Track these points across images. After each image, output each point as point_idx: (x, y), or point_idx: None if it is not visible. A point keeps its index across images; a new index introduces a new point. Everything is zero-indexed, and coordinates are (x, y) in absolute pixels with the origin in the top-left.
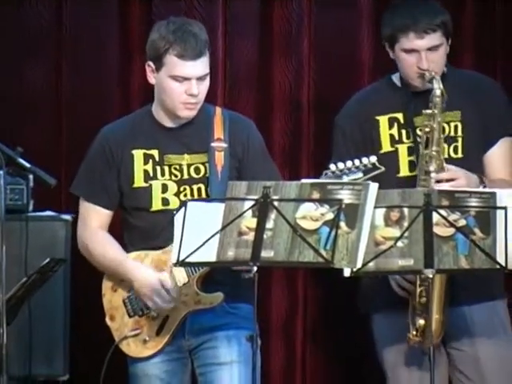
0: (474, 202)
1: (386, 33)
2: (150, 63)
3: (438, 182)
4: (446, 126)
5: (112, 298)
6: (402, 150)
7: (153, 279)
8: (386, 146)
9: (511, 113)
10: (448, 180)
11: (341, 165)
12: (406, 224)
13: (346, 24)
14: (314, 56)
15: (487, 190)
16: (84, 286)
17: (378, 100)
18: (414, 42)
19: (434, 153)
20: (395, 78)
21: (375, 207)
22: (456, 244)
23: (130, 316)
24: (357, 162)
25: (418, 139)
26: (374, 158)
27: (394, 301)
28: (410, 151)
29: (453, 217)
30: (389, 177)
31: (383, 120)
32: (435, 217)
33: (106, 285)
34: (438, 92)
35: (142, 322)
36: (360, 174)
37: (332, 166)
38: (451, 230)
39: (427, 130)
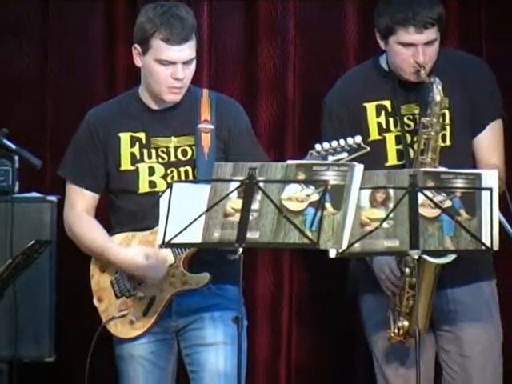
0: (459, 183)
1: (383, 24)
2: (137, 46)
3: None
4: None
5: (100, 279)
6: (390, 138)
7: (136, 256)
8: (374, 134)
9: (498, 94)
10: None
11: (326, 145)
12: (391, 205)
13: (331, 7)
14: (299, 38)
15: (472, 170)
16: (70, 268)
17: (366, 85)
18: (413, 36)
19: (429, 159)
20: (383, 61)
21: (361, 188)
22: (441, 225)
23: (117, 297)
24: (342, 141)
25: (406, 127)
26: (358, 138)
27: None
28: (398, 140)
29: (438, 198)
30: (376, 166)
31: (371, 107)
32: (421, 198)
33: (94, 266)
34: (437, 98)
35: (129, 303)
36: (345, 154)
37: (317, 146)
38: (437, 211)
39: (425, 137)
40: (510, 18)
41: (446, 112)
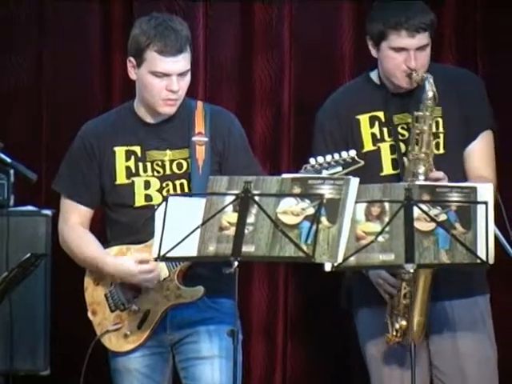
0: (454, 196)
1: (375, 29)
2: (131, 59)
3: (435, 180)
4: (414, 122)
5: (94, 293)
6: (385, 148)
7: (130, 264)
8: (368, 145)
9: (488, 105)
10: (436, 180)
11: (320, 159)
12: (386, 219)
13: (327, 18)
14: (294, 50)
15: (468, 184)
16: (65, 281)
17: (358, 99)
18: (405, 41)
19: (422, 155)
20: (373, 75)
21: (356, 202)
22: (437, 239)
23: (111, 310)
24: (336, 156)
25: (400, 137)
26: (353, 152)
27: (376, 296)
28: (393, 149)
29: (434, 211)
30: (372, 176)
31: (364, 119)
32: (416, 211)
33: (89, 279)
34: (430, 94)
35: (123, 317)
36: (339, 168)
37: (312, 160)
38: (432, 225)
39: (417, 131)
40: (506, 29)
41: (440, 120)
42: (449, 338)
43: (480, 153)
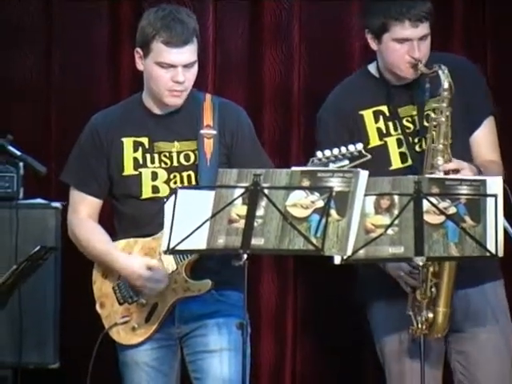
0: (464, 189)
1: (376, 22)
2: (139, 50)
3: (446, 173)
4: (431, 113)
5: (102, 286)
6: (391, 142)
7: (139, 266)
8: (374, 141)
9: (489, 92)
10: (454, 171)
11: (327, 152)
12: (396, 212)
13: (336, 12)
14: (304, 44)
15: (478, 177)
16: (74, 274)
17: (360, 94)
18: (408, 31)
19: (441, 146)
20: (372, 69)
21: (365, 195)
22: (446, 232)
23: (119, 303)
24: (343, 149)
25: (406, 130)
26: (360, 146)
27: (392, 289)
28: (400, 143)
29: (443, 204)
30: (380, 171)
31: (368, 114)
32: (425, 204)
33: (97, 272)
34: (446, 85)
35: (131, 310)
36: (346, 162)
37: (319, 154)
38: (441, 218)
39: (434, 123)
40: None
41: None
42: (466, 327)
43: (485, 139)
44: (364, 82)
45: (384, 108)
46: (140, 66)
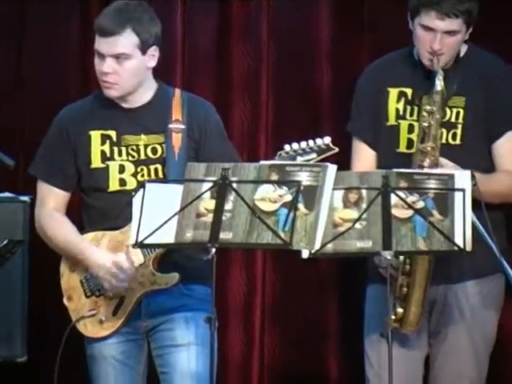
0: (432, 183)
1: (411, 4)
2: None
3: None
4: (448, 110)
5: (69, 279)
6: (404, 126)
7: (106, 261)
8: (392, 119)
9: None
10: None
11: (295, 145)
12: (364, 206)
13: (304, 6)
14: (272, 38)
15: (445, 171)
16: (42, 268)
17: (394, 71)
18: (434, 22)
19: (429, 148)
20: (416, 50)
21: (334, 189)
22: (414, 226)
23: (86, 296)
24: (311, 142)
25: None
26: (327, 139)
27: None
28: (411, 129)
29: (411, 198)
30: (389, 150)
31: (393, 92)
32: (393, 198)
33: (64, 265)
34: (438, 88)
35: (99, 303)
36: (314, 155)
37: (286, 147)
38: (409, 212)
39: (425, 124)
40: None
41: (461, 111)
42: (440, 325)
43: (506, 150)
44: (403, 60)
45: (409, 91)
46: None
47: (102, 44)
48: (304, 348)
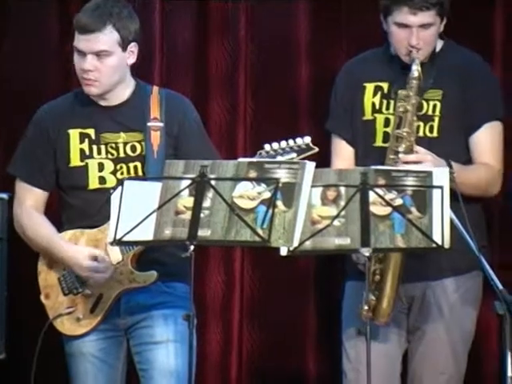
0: (410, 180)
1: (383, 3)
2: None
3: (406, 163)
4: (424, 103)
5: (47, 276)
6: (380, 120)
7: (84, 256)
8: (368, 114)
9: (498, 96)
10: (415, 162)
11: (275, 145)
12: (342, 203)
13: (283, 4)
14: (251, 35)
15: (424, 168)
16: (21, 265)
17: (371, 67)
18: (407, 17)
19: (404, 134)
20: (392, 47)
21: (312, 186)
22: (392, 223)
23: (64, 294)
24: (291, 142)
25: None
26: (308, 139)
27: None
28: (387, 122)
29: (389, 196)
30: (366, 145)
31: (369, 87)
32: (372, 196)
33: (42, 263)
34: (415, 74)
35: (76, 300)
36: (294, 155)
37: (266, 146)
38: (388, 209)
39: (401, 110)
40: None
41: (438, 103)
42: (418, 321)
43: (483, 142)
44: (379, 57)
45: (385, 85)
46: None
47: (82, 41)
48: (282, 345)
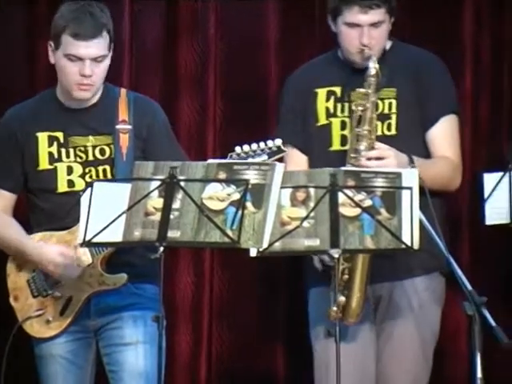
0: (379, 182)
1: (331, 4)
2: (51, 42)
3: (369, 159)
4: (380, 102)
5: (16, 279)
6: (336, 123)
7: (53, 255)
8: (322, 119)
9: (452, 90)
10: (377, 158)
11: (246, 147)
12: (312, 204)
13: (252, 4)
14: (220, 36)
15: (393, 170)
16: None
17: (320, 73)
18: (358, 17)
19: (365, 132)
20: (340, 52)
21: (281, 187)
22: (362, 224)
23: (34, 296)
24: (262, 144)
25: (353, 114)
26: (278, 141)
27: (326, 275)
28: (343, 125)
29: (359, 197)
30: (322, 150)
31: (321, 92)
32: (341, 197)
33: (11, 265)
34: (372, 71)
35: (46, 303)
36: (265, 157)
37: (237, 149)
38: (357, 210)
39: (360, 108)
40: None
41: (393, 101)
42: (386, 321)
43: (441, 136)
44: (328, 62)
45: (337, 89)
46: (52, 58)
47: (81, 48)
48: (252, 346)
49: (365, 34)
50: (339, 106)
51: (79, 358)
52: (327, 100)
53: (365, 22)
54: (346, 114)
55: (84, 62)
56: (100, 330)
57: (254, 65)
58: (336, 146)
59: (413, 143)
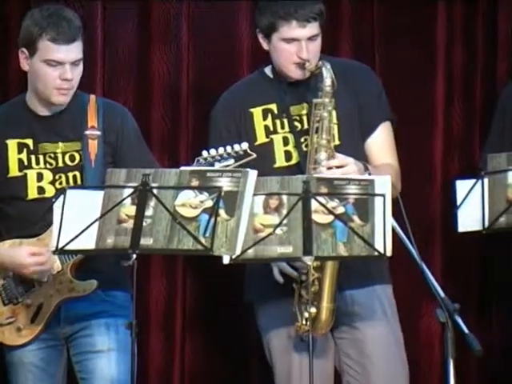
0: (352, 189)
1: (265, 21)
2: (24, 50)
3: (329, 169)
4: (314, 109)
5: None
6: (277, 140)
7: (24, 257)
8: (261, 138)
9: (385, 98)
10: (338, 167)
11: (213, 151)
12: (284, 211)
13: (225, 12)
14: (192, 43)
15: (366, 177)
16: None
17: (251, 93)
18: (296, 31)
19: (324, 141)
20: (268, 70)
21: (254, 194)
22: (335, 231)
23: (4, 304)
24: (229, 148)
25: (295, 129)
26: (245, 145)
27: (278, 288)
28: (286, 141)
29: (331, 204)
30: (265, 168)
31: (257, 112)
32: (314, 204)
33: None
34: (328, 81)
35: (17, 310)
36: (232, 161)
37: (204, 153)
38: (330, 218)
39: (317, 119)
40: (402, 21)
41: (333, 112)
42: (352, 327)
43: (381, 143)
44: (257, 81)
45: (273, 106)
46: (25, 66)
47: (62, 52)
48: (225, 353)
49: (303, 48)
50: (278, 122)
51: (50, 366)
52: (264, 118)
53: (303, 36)
54: (287, 129)
55: (64, 66)
56: (70, 337)
57: (226, 73)
58: (281, 162)
59: (356, 151)
